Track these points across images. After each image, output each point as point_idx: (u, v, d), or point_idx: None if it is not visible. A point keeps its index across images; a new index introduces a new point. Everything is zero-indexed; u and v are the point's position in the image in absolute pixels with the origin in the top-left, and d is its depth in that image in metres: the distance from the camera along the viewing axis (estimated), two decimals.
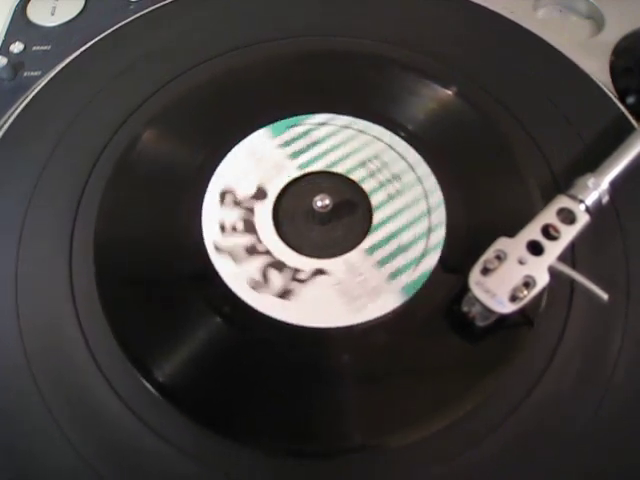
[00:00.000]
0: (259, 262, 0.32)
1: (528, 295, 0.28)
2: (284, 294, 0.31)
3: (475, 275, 0.29)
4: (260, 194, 0.34)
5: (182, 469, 0.28)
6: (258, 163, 0.35)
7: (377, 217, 0.34)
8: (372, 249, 0.33)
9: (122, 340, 0.30)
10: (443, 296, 0.31)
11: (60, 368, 0.30)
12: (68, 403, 0.29)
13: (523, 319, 0.30)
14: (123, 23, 0.41)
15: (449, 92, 0.37)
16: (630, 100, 0.39)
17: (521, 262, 0.29)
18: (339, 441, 0.29)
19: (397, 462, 0.28)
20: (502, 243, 0.29)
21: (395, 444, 0.28)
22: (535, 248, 0.29)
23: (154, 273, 0.33)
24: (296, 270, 0.32)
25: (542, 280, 0.28)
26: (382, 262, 0.32)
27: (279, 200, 0.35)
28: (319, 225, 0.34)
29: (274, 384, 0.30)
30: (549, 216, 0.30)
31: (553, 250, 0.29)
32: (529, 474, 0.28)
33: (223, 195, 0.34)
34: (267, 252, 0.33)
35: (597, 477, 0.28)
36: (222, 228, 0.33)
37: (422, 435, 0.28)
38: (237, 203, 0.34)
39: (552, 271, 0.29)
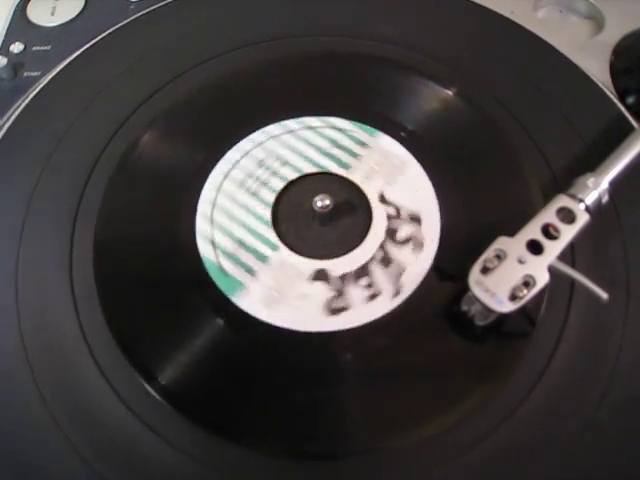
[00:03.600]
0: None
1: (528, 294, 0.28)
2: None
3: (475, 274, 0.29)
4: (321, 275, 0.32)
5: (184, 471, 0.28)
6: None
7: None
8: None
9: (122, 341, 0.30)
10: (443, 296, 0.31)
11: (60, 369, 0.30)
12: (68, 404, 0.29)
13: (523, 319, 0.30)
14: (123, 23, 0.41)
15: (449, 92, 0.37)
16: (630, 100, 0.39)
17: (521, 261, 0.29)
18: (340, 442, 0.29)
19: (397, 463, 0.28)
20: (502, 242, 0.29)
21: (396, 445, 0.29)
22: (535, 247, 0.29)
23: (154, 274, 0.33)
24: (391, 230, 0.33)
25: (542, 279, 0.28)
26: None
27: (279, 200, 0.34)
28: (319, 225, 0.34)
29: (275, 385, 0.30)
30: (549, 215, 0.30)
31: (553, 249, 0.29)
32: (529, 474, 0.28)
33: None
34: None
35: (597, 477, 0.28)
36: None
37: (422, 436, 0.28)
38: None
39: (552, 270, 0.29)
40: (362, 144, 0.36)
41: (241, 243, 0.33)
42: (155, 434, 0.28)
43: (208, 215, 0.34)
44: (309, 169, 0.35)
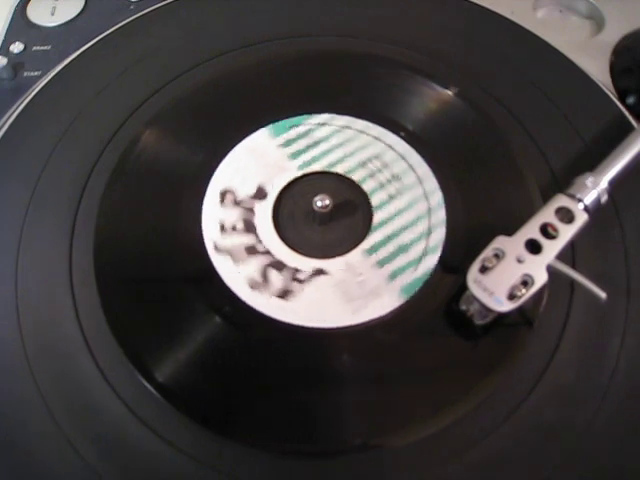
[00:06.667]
0: (259, 262, 0.32)
1: (526, 294, 0.28)
2: (284, 294, 0.31)
3: (473, 273, 0.29)
4: (260, 194, 0.34)
5: (182, 469, 0.28)
6: (258, 162, 0.35)
7: (377, 217, 0.34)
8: (372, 249, 0.33)
9: (122, 340, 0.30)
10: (442, 295, 0.31)
11: (60, 368, 0.30)
12: (67, 403, 0.29)
13: (523, 319, 0.30)
14: (123, 23, 0.41)
15: (449, 92, 0.37)
16: (630, 100, 0.39)
17: (519, 261, 0.29)
18: (339, 441, 0.29)
19: (397, 462, 0.28)
20: (501, 242, 0.29)
21: (394, 444, 0.28)
22: (534, 247, 0.29)
23: (154, 273, 0.33)
24: (296, 270, 0.32)
25: (540, 279, 0.28)
26: (382, 262, 0.32)
27: (279, 200, 0.34)
28: (319, 225, 0.34)
29: (274, 384, 0.30)
30: (548, 215, 0.30)
31: (551, 249, 0.29)
32: (528, 473, 0.28)
33: (223, 195, 0.34)
34: (267, 252, 0.33)
35: (597, 477, 0.28)
36: (222, 228, 0.33)
37: (421, 435, 0.28)
38: (237, 203, 0.34)
39: (550, 270, 0.29)
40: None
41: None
42: (154, 432, 0.28)
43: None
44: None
